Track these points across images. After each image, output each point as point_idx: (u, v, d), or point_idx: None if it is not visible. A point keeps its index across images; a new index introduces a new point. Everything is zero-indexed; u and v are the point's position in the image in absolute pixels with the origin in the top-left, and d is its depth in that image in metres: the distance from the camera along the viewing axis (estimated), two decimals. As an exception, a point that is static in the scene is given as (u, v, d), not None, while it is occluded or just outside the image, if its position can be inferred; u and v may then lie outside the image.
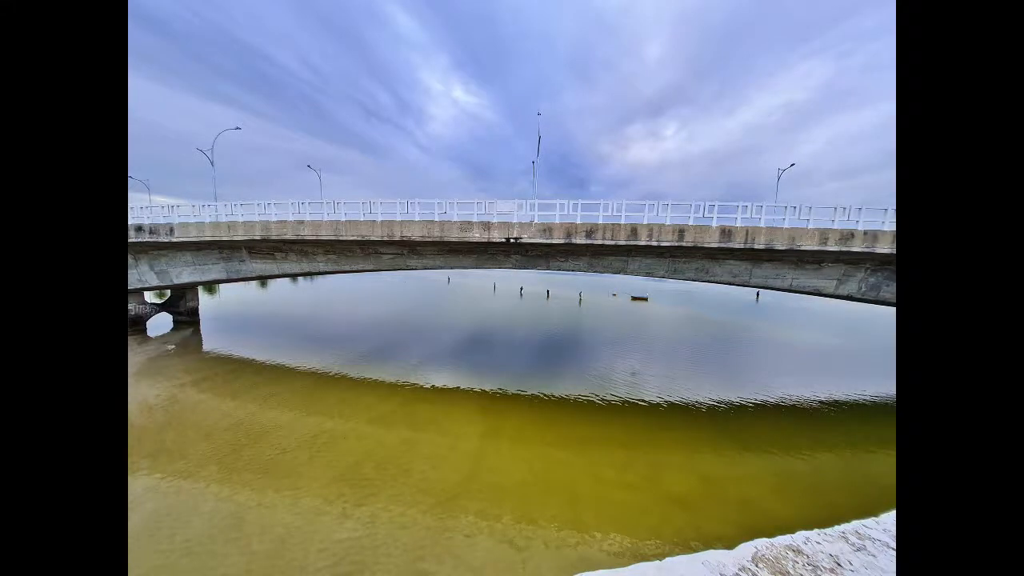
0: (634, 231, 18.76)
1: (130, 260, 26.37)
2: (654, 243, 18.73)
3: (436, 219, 20.24)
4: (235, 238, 22.46)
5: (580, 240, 19.24)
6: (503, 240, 19.72)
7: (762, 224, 18.23)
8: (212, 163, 29.44)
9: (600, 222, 19.10)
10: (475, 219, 19.91)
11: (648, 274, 21.57)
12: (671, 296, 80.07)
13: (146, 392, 19.72)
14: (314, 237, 21.44)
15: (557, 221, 19.43)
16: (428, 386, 21.71)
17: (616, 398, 20.70)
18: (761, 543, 3.72)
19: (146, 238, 23.94)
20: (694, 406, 20.00)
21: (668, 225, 18.55)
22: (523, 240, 19.62)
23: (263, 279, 35.80)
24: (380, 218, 20.80)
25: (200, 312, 40.71)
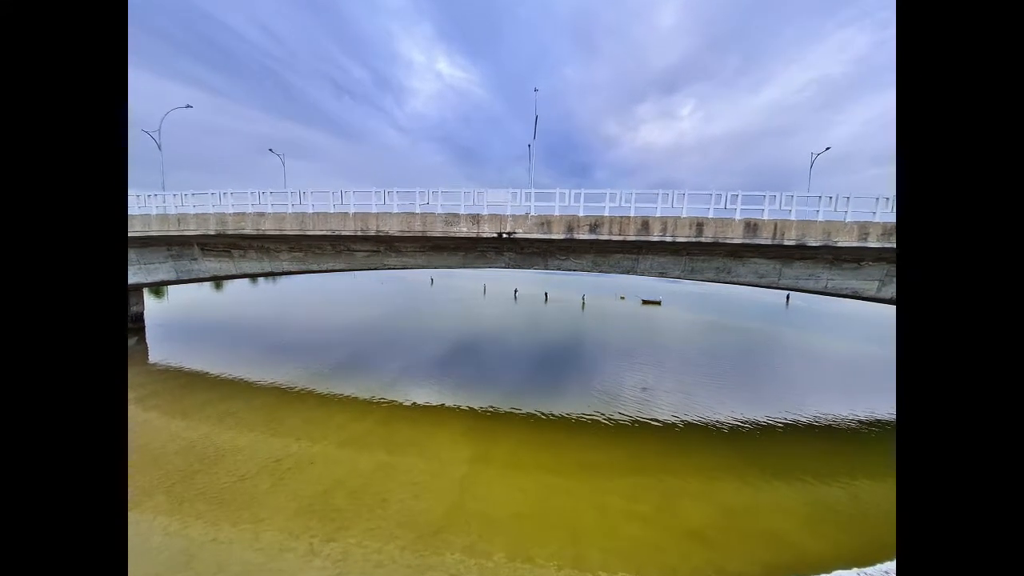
0: (645, 225, 18.90)
1: (63, 257, 26.24)
2: (668, 239, 18.88)
3: (417, 211, 20.34)
4: (186, 233, 22.42)
5: (583, 235, 19.37)
6: (494, 235, 19.82)
7: (793, 217, 18.40)
8: (159, 146, 29.37)
9: (606, 215, 19.26)
10: (462, 211, 20.03)
11: (661, 274, 21.72)
12: (687, 300, 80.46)
13: (81, 411, 19.60)
14: (277, 232, 21.45)
15: (556, 214, 19.57)
16: (408, 403, 21.74)
17: (624, 417, 20.80)
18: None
19: (82, 232, 23.84)
20: (714, 426, 20.14)
21: (684, 218, 18.70)
22: (517, 235, 19.74)
23: (218, 280, 35.72)
24: (353, 210, 20.88)
25: (146, 318, 40.55)
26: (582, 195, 19.51)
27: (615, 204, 19.29)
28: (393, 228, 20.43)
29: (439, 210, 20.32)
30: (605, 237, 19.28)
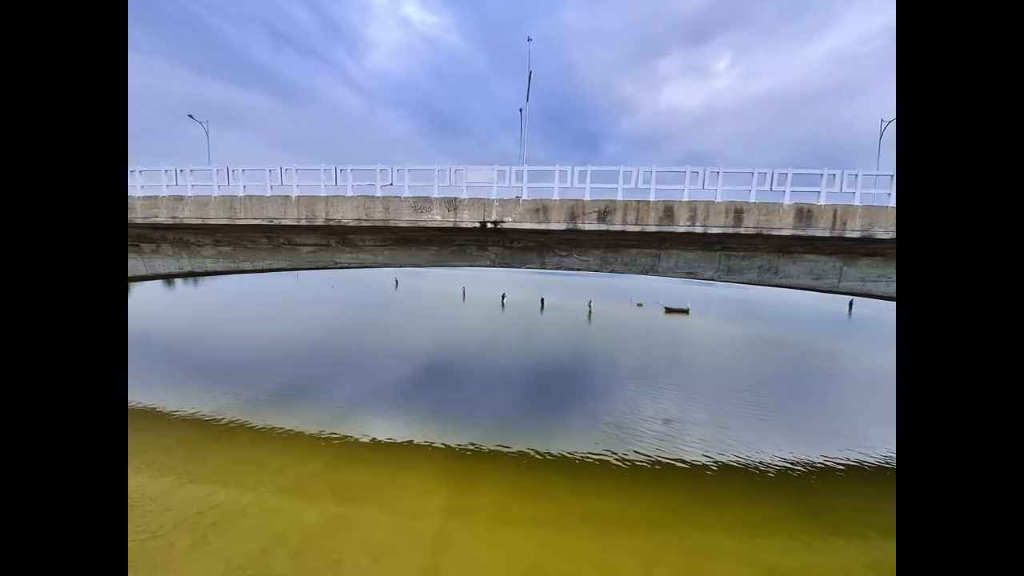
0: (669, 212, 19.14)
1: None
2: (698, 229, 19.11)
3: (378, 194, 20.44)
4: (81, 220, 22.34)
5: (589, 225, 19.56)
6: (476, 225, 20.01)
7: (857, 202, 18.62)
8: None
9: (619, 199, 19.42)
10: (435, 194, 20.18)
11: (689, 275, 22.00)
12: (723, 307, 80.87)
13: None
14: (198, 220, 21.50)
15: (556, 198, 19.73)
16: (366, 439, 21.90)
17: (642, 457, 21.05)
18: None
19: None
20: (756, 469, 20.43)
21: (719, 203, 18.93)
22: (505, 225, 19.93)
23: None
24: (296, 193, 20.97)
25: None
26: (588, 174, 19.57)
27: (630, 186, 19.39)
28: (347, 216, 20.51)
29: (406, 193, 20.39)
30: (618, 227, 19.44)
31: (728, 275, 21.96)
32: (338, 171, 20.64)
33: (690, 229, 19.16)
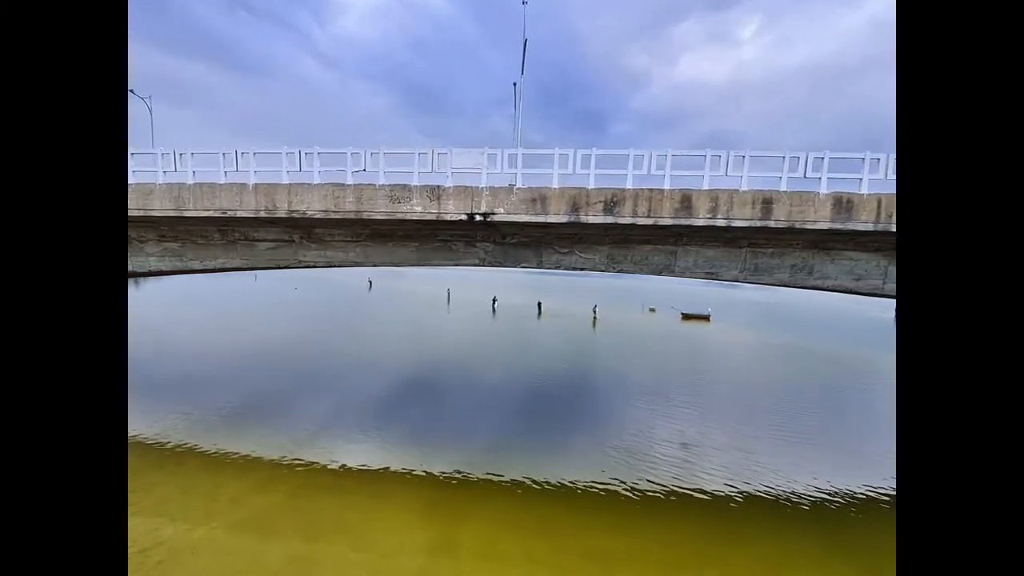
0: (687, 202, 19.06)
1: None
2: (720, 222, 19.02)
3: (349, 182, 20.30)
4: None
5: (594, 218, 19.46)
6: (463, 217, 19.89)
7: (903, 192, 18.62)
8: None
9: (629, 187, 19.31)
10: (415, 181, 20.01)
11: (710, 275, 21.93)
12: (749, 312, 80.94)
13: None
14: (140, 212, 21.33)
15: (555, 186, 19.58)
16: (335, 466, 21.82)
17: (655, 487, 21.01)
18: None
19: None
20: (788, 500, 20.41)
21: (745, 192, 18.83)
22: (497, 218, 19.82)
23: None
24: (254, 180, 20.85)
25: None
26: (593, 158, 19.40)
27: (642, 172, 19.23)
28: (313, 207, 20.31)
29: (381, 180, 20.23)
30: (627, 220, 19.30)
31: (755, 275, 21.87)
32: (303, 155, 20.42)
33: (711, 222, 19.07)
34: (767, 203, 18.81)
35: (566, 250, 22.34)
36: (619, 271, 22.49)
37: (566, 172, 19.53)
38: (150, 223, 23.37)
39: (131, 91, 34.54)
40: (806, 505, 19.85)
